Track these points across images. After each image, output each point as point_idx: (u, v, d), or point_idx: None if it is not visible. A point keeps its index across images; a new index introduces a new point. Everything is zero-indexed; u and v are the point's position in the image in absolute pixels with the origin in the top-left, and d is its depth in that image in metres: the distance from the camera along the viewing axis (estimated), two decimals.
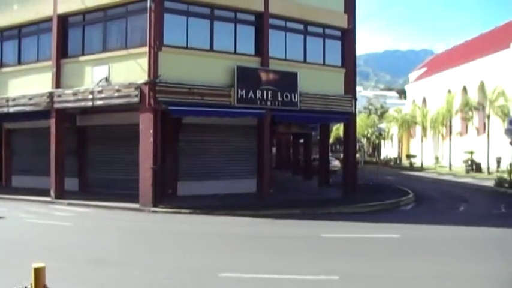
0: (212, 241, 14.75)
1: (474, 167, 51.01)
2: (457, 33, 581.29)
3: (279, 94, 24.56)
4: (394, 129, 77.50)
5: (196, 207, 20.92)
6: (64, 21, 25.35)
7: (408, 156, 68.68)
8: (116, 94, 22.66)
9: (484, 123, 53.17)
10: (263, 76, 24.37)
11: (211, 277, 10.17)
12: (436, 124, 61.20)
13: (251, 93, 23.90)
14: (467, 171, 49.94)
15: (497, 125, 48.76)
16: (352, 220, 19.37)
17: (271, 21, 25.25)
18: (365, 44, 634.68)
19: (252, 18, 25.15)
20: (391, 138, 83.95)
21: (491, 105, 49.87)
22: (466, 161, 52.74)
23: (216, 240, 14.87)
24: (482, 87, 55.40)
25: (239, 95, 23.62)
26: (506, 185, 32.30)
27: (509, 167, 35.50)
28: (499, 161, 46.85)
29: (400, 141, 77.48)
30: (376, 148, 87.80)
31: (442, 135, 63.40)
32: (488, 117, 50.59)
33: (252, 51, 24.95)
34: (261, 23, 24.94)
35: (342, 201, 24.91)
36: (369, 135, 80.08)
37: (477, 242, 14.60)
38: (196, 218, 19.87)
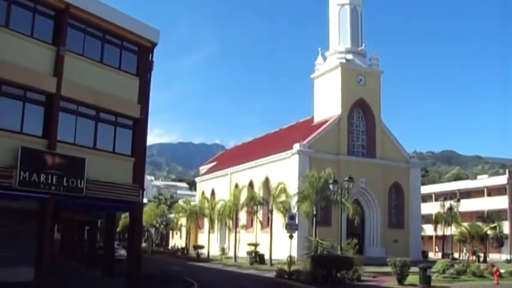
0: None
1: (258, 258, 52.92)
2: (248, 131, 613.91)
3: (64, 179, 23.59)
4: (183, 220, 78.13)
5: None
6: None
7: (195, 247, 69.30)
8: None
9: (268, 217, 55.94)
10: (49, 159, 23.33)
11: None
12: (223, 216, 62.90)
13: (35, 176, 22.68)
14: (252, 263, 51.58)
15: (279, 219, 51.58)
16: None
17: (63, 103, 24.50)
18: (160, 135, 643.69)
19: (42, 98, 24.17)
20: (180, 229, 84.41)
21: (274, 200, 52.85)
22: (250, 253, 54.64)
23: None
24: (266, 183, 58.21)
25: (22, 177, 22.23)
26: (286, 276, 33.80)
27: (288, 259, 37.45)
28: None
29: (188, 232, 78.17)
30: (165, 238, 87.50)
31: (229, 227, 65.26)
32: (272, 211, 53.42)
33: (40, 133, 23.88)
34: (51, 104, 24.05)
35: None
36: (157, 224, 79.82)
37: None
38: None
